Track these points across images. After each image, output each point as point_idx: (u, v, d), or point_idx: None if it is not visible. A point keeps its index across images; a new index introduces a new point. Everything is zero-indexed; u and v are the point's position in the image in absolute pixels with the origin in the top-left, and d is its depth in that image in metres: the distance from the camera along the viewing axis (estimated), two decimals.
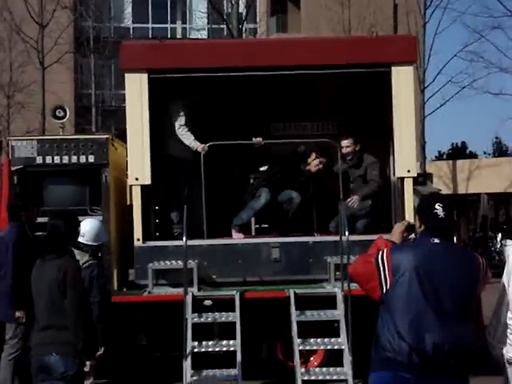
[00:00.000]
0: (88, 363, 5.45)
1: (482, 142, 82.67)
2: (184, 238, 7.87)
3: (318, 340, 7.97)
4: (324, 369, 7.95)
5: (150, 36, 37.89)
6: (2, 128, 29.24)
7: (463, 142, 46.12)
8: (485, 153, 45.56)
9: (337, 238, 8.28)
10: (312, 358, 8.41)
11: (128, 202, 9.52)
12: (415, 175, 8.78)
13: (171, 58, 8.69)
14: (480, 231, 27.19)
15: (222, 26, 33.21)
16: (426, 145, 26.75)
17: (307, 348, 8.00)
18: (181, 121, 9.07)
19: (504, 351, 4.79)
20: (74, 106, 32.40)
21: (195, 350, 7.77)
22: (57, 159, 8.61)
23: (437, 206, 4.44)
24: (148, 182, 8.57)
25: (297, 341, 7.81)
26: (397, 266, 4.38)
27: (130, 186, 8.78)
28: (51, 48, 27.61)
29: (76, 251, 6.36)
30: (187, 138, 9.04)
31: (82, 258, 6.55)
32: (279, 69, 8.70)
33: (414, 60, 9.16)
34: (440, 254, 4.40)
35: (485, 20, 46.00)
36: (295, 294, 8.10)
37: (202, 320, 7.98)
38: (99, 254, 7.63)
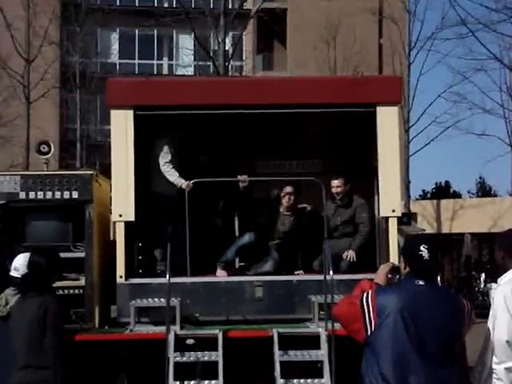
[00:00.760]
0: None
1: (466, 182, 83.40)
2: (167, 276, 7.80)
3: (301, 381, 7.86)
4: None
5: (137, 72, 38.15)
6: None
7: (447, 182, 46.57)
8: (469, 192, 45.97)
9: (321, 277, 8.24)
10: None
11: (111, 238, 9.47)
12: (400, 215, 8.77)
13: (157, 94, 8.69)
14: (463, 271, 27.26)
15: (208, 63, 33.49)
16: (410, 184, 26.91)
17: None
18: (166, 158, 9.06)
19: None
20: (58, 141, 32.43)
21: None
22: (40, 195, 8.53)
23: (422, 248, 4.44)
24: (132, 218, 8.52)
25: (280, 381, 7.69)
26: (381, 308, 4.37)
27: (114, 222, 8.71)
28: (37, 83, 27.69)
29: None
30: (171, 175, 9.03)
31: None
32: (265, 107, 8.73)
33: (399, 100, 9.22)
34: (425, 296, 4.40)
35: (468, 62, 46.59)
36: (278, 333, 8.02)
37: (185, 359, 7.86)
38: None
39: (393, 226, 8.66)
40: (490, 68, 38.48)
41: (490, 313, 4.80)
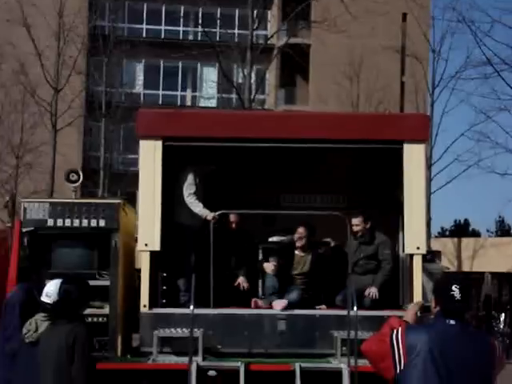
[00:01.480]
0: None
1: (485, 221, 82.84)
2: (191, 307, 7.83)
3: None
4: None
5: (161, 102, 38.47)
6: (10, 188, 29.42)
7: (466, 220, 46.30)
8: (488, 231, 45.65)
9: (344, 312, 8.23)
10: None
11: (135, 267, 9.51)
12: (424, 252, 8.75)
13: (186, 126, 8.79)
14: (483, 310, 26.98)
15: (231, 96, 33.77)
16: (431, 221, 26.81)
17: None
18: (191, 189, 9.12)
19: None
20: (81, 168, 32.62)
21: None
22: (67, 222, 8.62)
23: (453, 288, 4.44)
24: (157, 248, 8.57)
25: None
26: (411, 347, 4.37)
27: (140, 251, 8.76)
28: (64, 111, 28.04)
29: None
30: (196, 206, 9.07)
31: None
32: (293, 141, 8.80)
33: (426, 138, 9.27)
34: (456, 336, 4.39)
35: (492, 101, 46.60)
36: (301, 367, 8.00)
37: None
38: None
39: (417, 263, 8.64)
40: None
41: None
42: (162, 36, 40.49)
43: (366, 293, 8.98)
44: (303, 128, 8.83)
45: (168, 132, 8.75)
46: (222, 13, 33.08)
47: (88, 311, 8.00)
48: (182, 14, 38.27)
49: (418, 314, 4.76)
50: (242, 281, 9.16)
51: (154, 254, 8.62)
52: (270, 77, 37.73)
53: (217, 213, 8.93)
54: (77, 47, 29.00)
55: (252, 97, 23.10)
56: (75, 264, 8.57)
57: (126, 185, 29.56)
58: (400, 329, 4.47)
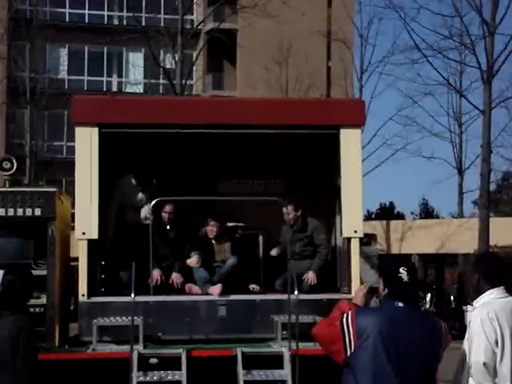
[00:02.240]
0: None
1: (410, 204, 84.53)
2: (132, 295, 7.77)
3: None
4: None
5: (86, 88, 37.85)
6: None
7: (391, 203, 47.16)
8: (412, 213, 46.63)
9: (284, 297, 8.29)
10: None
11: (71, 256, 9.38)
12: (362, 236, 8.89)
13: (122, 112, 8.68)
14: None
15: (158, 81, 33.47)
16: None
17: None
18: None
19: None
20: (4, 156, 31.88)
21: None
22: (2, 212, 8.41)
23: (401, 270, 4.53)
24: (95, 236, 8.45)
25: None
26: (361, 330, 4.43)
27: (77, 240, 8.63)
28: None
29: None
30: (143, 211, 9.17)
31: None
32: (230, 127, 8.79)
33: (362, 123, 9.38)
34: (404, 318, 4.48)
35: (418, 86, 47.61)
36: (242, 352, 8.04)
37: (148, 379, 7.82)
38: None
39: (355, 246, 8.77)
40: (438, 93, 39.29)
41: (466, 335, 4.91)
42: (86, 20, 39.80)
43: (304, 277, 9.07)
44: (241, 113, 8.83)
45: (104, 119, 8.62)
46: None
47: None
48: None
49: (367, 296, 4.84)
50: (175, 277, 9.07)
51: (91, 243, 8.51)
52: (197, 62, 37.51)
53: (152, 202, 8.83)
54: None
55: (183, 82, 22.93)
56: (11, 254, 8.38)
57: (53, 172, 29.06)
58: (350, 312, 4.54)
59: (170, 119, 8.67)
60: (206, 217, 9.33)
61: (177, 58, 22.96)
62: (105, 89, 39.33)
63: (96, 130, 8.55)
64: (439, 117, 44.07)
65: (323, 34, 26.53)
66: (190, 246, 9.18)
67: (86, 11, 40.16)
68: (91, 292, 8.49)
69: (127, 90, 39.67)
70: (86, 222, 8.46)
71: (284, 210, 9.31)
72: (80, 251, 8.49)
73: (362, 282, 8.22)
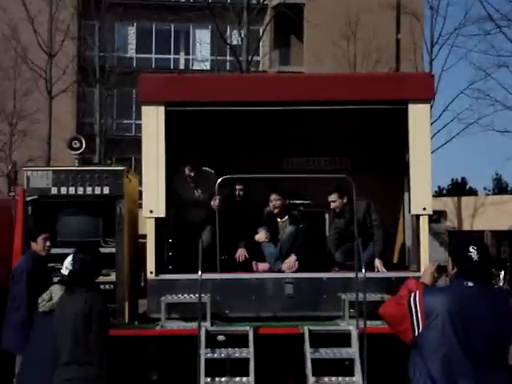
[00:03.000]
0: None
1: (482, 179, 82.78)
2: (199, 272, 7.80)
3: (333, 378, 7.83)
4: None
5: (153, 66, 38.15)
6: (4, 156, 29.24)
7: (463, 178, 46.31)
8: (485, 189, 45.70)
9: (351, 275, 8.22)
10: None
11: (139, 233, 9.48)
12: (431, 213, 8.70)
13: (188, 90, 8.68)
14: None
15: (225, 58, 33.48)
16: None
17: None
18: None
19: None
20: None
21: None
22: (71, 190, 8.55)
23: (471, 249, 4.40)
24: (162, 214, 8.52)
25: (311, 378, 7.69)
26: (429, 309, 4.33)
27: (145, 218, 8.71)
28: (59, 77, 27.74)
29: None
30: None
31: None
32: (296, 104, 8.71)
33: (431, 98, 9.17)
34: (474, 298, 4.36)
35: (491, 58, 46.33)
36: (309, 330, 8.01)
37: (216, 356, 7.87)
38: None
39: (424, 224, 8.60)
40: None
41: None
42: None
43: (375, 264, 8.88)
44: (307, 90, 8.71)
45: (170, 97, 8.64)
46: None
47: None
48: None
49: (435, 275, 4.73)
50: (240, 253, 9.09)
51: (159, 221, 8.57)
52: (264, 38, 37.38)
53: (218, 180, 8.80)
54: (69, 11, 28.61)
55: (250, 59, 22.85)
56: (80, 232, 8.53)
57: (122, 151, 29.45)
58: (417, 292, 4.44)
59: (235, 97, 8.62)
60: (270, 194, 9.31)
61: (243, 35, 22.87)
62: (172, 66, 39.53)
63: (162, 108, 8.58)
64: None
65: (392, 6, 25.92)
66: (256, 223, 9.19)
67: None
68: (159, 269, 8.57)
69: (194, 68, 39.80)
70: (153, 200, 8.52)
71: (329, 197, 9.19)
72: (148, 229, 8.56)
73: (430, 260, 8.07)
